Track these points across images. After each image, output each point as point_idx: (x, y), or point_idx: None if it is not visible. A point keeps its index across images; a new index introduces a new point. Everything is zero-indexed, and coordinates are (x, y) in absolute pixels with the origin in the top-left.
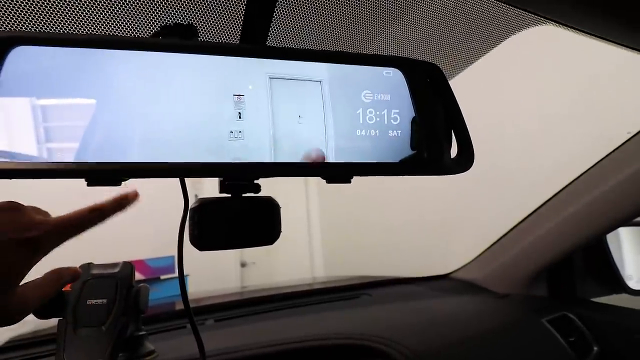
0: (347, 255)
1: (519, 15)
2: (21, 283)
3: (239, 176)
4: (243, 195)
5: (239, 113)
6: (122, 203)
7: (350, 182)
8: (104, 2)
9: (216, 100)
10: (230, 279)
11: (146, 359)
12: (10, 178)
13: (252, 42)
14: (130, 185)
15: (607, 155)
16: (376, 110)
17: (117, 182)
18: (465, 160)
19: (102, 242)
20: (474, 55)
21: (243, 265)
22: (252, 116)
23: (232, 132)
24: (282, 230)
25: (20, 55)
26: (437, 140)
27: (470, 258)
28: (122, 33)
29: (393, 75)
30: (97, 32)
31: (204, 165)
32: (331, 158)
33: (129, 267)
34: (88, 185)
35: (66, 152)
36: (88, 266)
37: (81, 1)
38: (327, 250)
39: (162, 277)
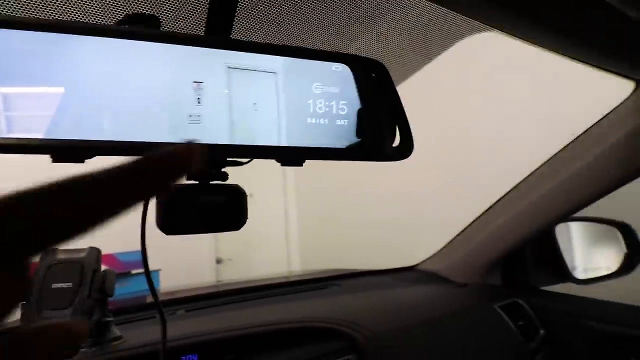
0: (323, 251)
1: (465, 22)
2: None
3: None
4: (210, 182)
5: (198, 98)
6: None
7: (302, 165)
8: None
9: (176, 86)
10: (205, 276)
11: (112, 344)
12: None
13: (216, 34)
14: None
15: (553, 155)
16: (325, 101)
17: (81, 160)
18: (405, 149)
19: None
20: (424, 58)
21: (219, 261)
22: (210, 102)
23: (190, 116)
24: (248, 217)
25: None
26: (379, 129)
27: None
28: (89, 19)
29: (342, 70)
30: (64, 17)
31: (164, 144)
32: (284, 143)
33: (95, 252)
34: (53, 161)
35: (34, 132)
36: (53, 251)
37: None
38: (304, 246)
39: (133, 271)
